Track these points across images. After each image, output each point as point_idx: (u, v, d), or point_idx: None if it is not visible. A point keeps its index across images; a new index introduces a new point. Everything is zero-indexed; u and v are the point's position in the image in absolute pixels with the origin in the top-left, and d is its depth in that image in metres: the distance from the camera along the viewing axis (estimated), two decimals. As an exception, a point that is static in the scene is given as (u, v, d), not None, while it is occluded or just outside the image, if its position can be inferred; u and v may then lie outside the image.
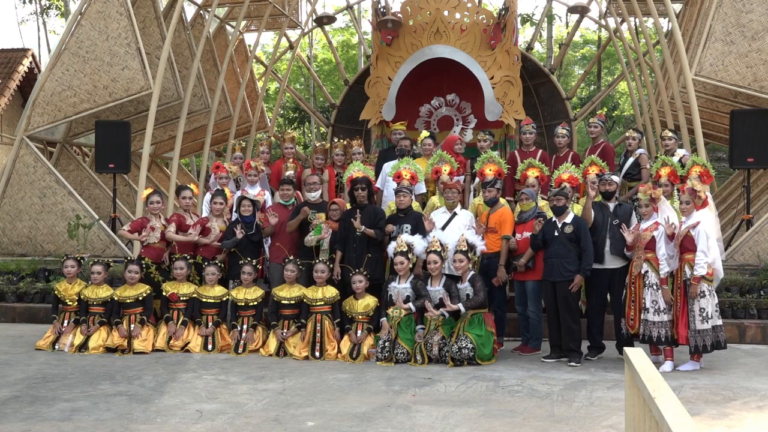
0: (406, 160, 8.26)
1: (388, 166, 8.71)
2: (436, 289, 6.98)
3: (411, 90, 11.16)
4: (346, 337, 7.12)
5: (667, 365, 6.49)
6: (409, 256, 7.05)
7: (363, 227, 7.40)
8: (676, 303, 6.55)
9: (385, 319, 7.02)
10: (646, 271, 6.63)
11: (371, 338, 7.09)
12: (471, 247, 7.00)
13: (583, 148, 17.00)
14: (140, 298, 7.54)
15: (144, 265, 7.78)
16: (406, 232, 7.37)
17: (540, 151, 8.76)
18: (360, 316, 7.18)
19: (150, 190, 8.30)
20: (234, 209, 8.29)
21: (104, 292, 7.64)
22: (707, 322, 6.40)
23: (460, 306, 6.78)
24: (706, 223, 6.48)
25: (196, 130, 14.99)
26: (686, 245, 6.50)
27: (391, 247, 7.19)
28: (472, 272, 7.02)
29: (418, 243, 7.15)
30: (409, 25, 11.11)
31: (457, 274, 7.03)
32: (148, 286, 7.64)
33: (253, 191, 8.58)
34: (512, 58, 10.82)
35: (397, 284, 7.09)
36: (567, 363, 6.77)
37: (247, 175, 8.78)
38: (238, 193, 8.55)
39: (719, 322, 6.51)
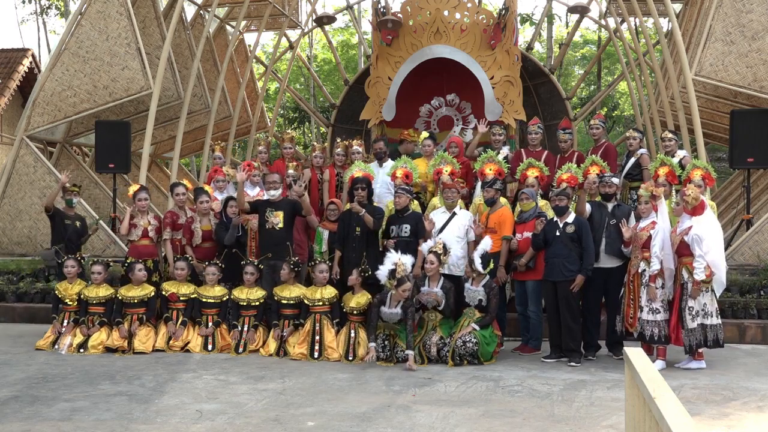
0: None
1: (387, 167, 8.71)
2: (434, 290, 6.95)
3: (411, 90, 11.15)
4: (340, 336, 7.10)
5: (658, 364, 6.50)
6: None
7: (363, 210, 7.40)
8: (672, 303, 6.59)
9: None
10: (644, 270, 6.65)
11: (363, 333, 7.04)
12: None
13: (584, 148, 17.00)
14: (145, 299, 7.55)
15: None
16: (406, 233, 7.37)
17: (546, 151, 8.74)
18: (354, 312, 7.10)
19: (136, 187, 8.20)
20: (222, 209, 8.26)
21: (104, 291, 7.64)
22: (695, 320, 6.42)
23: (474, 327, 6.78)
24: (700, 228, 6.46)
25: (196, 130, 14.98)
26: (681, 250, 6.56)
27: (383, 274, 6.84)
28: (487, 279, 6.91)
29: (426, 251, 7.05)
30: (409, 25, 11.10)
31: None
32: (153, 288, 7.65)
33: (253, 192, 8.57)
34: (512, 58, 10.81)
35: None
36: (567, 363, 6.77)
37: (251, 176, 8.76)
38: (224, 195, 8.53)
39: (710, 321, 6.50)
